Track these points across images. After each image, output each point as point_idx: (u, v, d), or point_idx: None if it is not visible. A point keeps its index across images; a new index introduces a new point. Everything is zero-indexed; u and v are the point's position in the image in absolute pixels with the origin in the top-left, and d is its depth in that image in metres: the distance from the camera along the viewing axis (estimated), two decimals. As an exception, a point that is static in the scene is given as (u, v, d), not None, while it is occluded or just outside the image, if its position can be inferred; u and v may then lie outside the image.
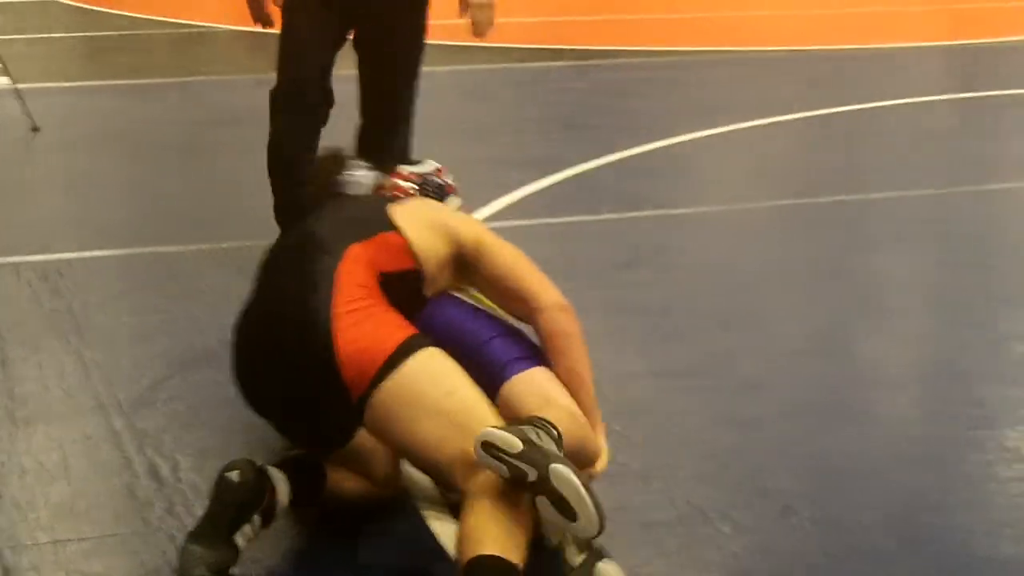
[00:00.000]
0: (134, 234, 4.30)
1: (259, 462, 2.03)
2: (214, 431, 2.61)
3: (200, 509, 2.08)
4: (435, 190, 2.56)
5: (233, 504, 1.95)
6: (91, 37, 8.35)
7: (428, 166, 2.64)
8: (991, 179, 5.19)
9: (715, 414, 2.78)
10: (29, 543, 2.17)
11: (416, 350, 2.01)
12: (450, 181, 2.61)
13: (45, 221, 4.51)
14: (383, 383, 1.98)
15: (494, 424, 1.90)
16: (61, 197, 4.99)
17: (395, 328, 2.05)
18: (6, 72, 6.07)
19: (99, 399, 2.79)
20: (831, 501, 2.36)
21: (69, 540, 2.16)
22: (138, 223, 4.50)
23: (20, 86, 5.87)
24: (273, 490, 2.01)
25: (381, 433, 2.04)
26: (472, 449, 1.81)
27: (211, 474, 2.06)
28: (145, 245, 4.13)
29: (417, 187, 2.54)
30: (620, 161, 5.34)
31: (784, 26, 9.79)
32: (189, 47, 8.31)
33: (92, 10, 8.93)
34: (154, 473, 2.41)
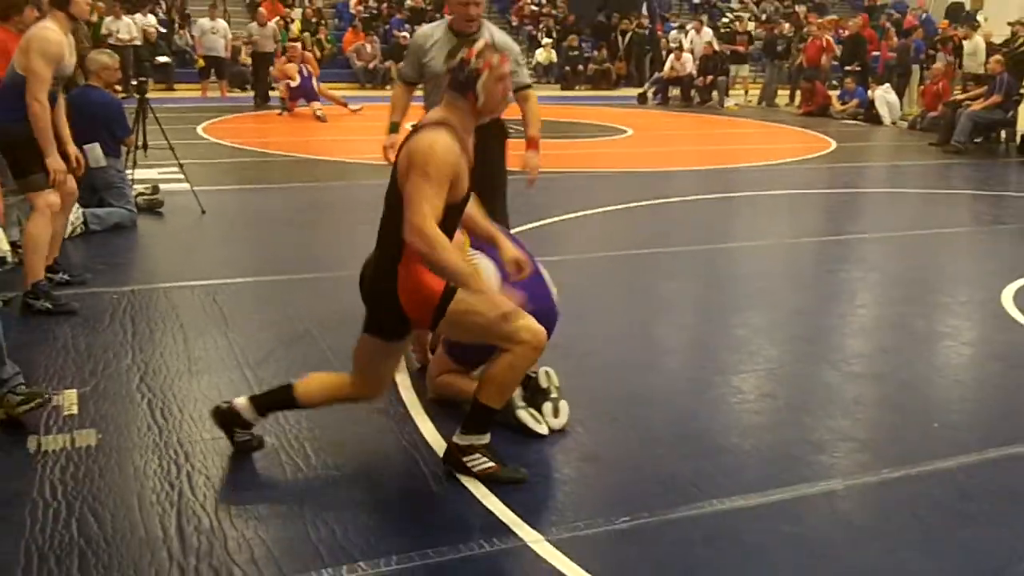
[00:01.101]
0: (260, 268, 6.50)
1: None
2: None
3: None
4: None
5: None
6: (233, 161, 11.36)
7: None
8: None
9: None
10: (197, 440, 3.91)
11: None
12: None
13: (208, 261, 6.78)
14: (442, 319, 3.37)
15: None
16: (217, 248, 7.31)
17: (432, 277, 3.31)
18: (187, 179, 8.74)
19: (237, 360, 4.78)
20: (639, 415, 4.28)
21: (219, 438, 4.19)
22: (263, 263, 6.73)
23: (195, 188, 8.50)
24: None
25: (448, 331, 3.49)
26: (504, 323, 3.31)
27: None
28: (266, 275, 6.31)
29: None
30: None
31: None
32: (288, 166, 11.23)
33: (233, 146, 12.10)
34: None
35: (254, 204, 8.96)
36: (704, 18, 22.87)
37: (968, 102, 14.04)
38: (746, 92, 20.88)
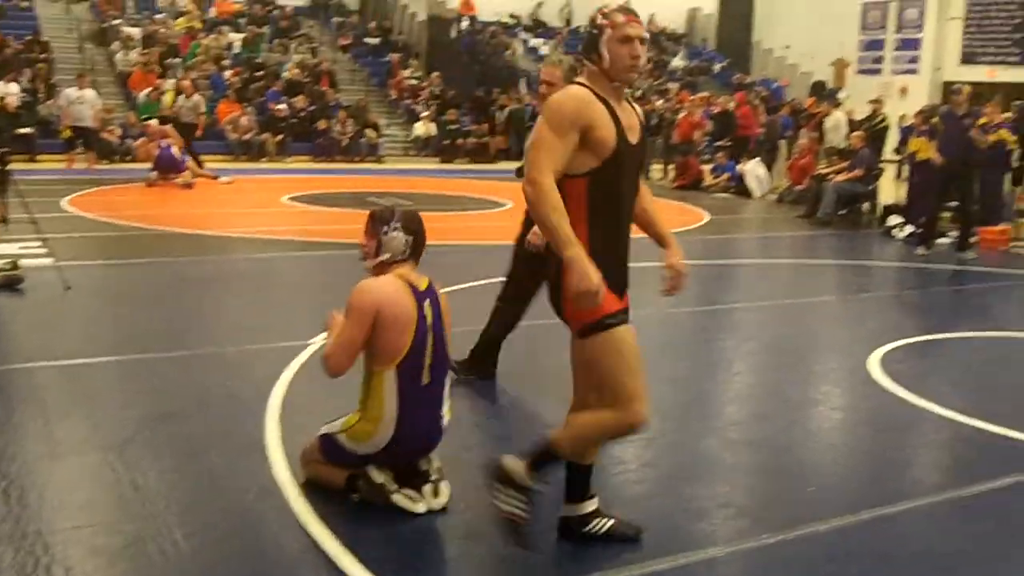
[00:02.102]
0: (125, 346, 6.23)
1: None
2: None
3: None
4: None
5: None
6: (100, 235, 11.03)
7: None
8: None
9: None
10: (58, 530, 3.92)
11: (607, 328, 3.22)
12: None
13: (71, 339, 6.47)
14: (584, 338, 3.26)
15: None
16: (81, 326, 6.99)
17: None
18: (50, 254, 8.46)
19: (102, 443, 4.54)
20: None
21: (81, 527, 3.97)
22: (128, 340, 6.45)
23: (58, 263, 8.15)
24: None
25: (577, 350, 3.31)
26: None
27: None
28: (131, 353, 6.05)
29: None
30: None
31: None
32: (156, 240, 10.94)
33: (100, 220, 11.75)
34: (137, 481, 4.25)
35: (120, 279, 8.67)
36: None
37: (832, 175, 14.66)
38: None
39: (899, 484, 4.46)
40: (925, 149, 12.20)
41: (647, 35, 3.36)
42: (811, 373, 6.38)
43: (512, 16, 29.46)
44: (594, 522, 3.64)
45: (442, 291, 4.08)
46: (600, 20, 3.30)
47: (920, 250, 11.44)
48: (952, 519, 4.13)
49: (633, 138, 3.38)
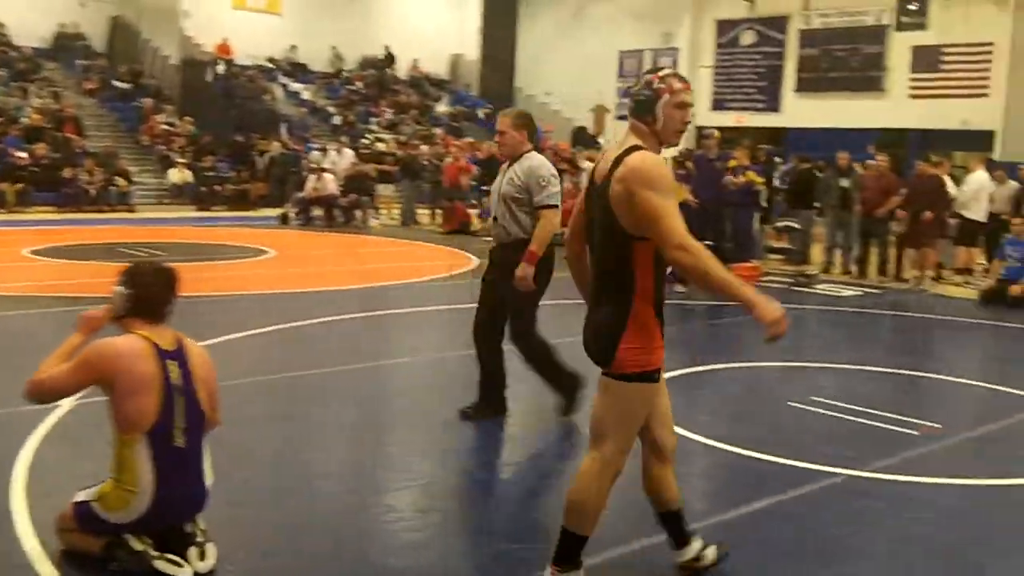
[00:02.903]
0: None
1: None
2: None
3: None
4: None
5: None
6: None
7: None
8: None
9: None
10: None
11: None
12: None
13: None
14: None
15: None
16: None
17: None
18: None
19: None
20: (297, 545, 4.03)
21: None
22: None
23: None
24: None
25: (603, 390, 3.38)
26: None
27: None
28: None
29: None
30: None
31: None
32: None
33: None
34: None
35: None
36: (345, 139, 23.31)
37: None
38: (389, 212, 21.37)
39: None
40: (678, 192, 12.87)
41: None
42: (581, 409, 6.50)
43: (270, 60, 28.98)
44: None
45: (198, 346, 3.87)
46: (657, 84, 3.37)
47: (678, 287, 11.98)
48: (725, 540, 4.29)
49: None
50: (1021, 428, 6.36)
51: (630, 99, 3.43)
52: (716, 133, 12.22)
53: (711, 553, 3.87)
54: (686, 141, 24.99)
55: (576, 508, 3.47)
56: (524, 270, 5.51)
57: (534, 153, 5.71)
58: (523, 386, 6.15)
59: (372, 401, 6.55)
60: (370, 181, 20.56)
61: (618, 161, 3.33)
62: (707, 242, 12.18)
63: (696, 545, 3.84)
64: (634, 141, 3.38)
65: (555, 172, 5.72)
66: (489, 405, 5.96)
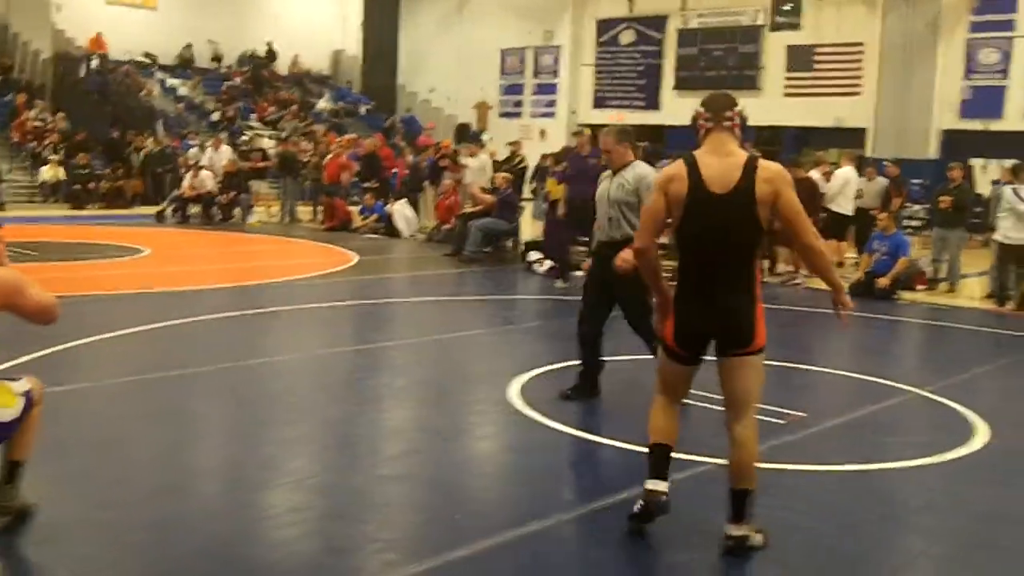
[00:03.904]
0: None
1: None
2: None
3: None
4: None
5: None
6: None
7: None
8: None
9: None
10: None
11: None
12: None
13: None
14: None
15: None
16: None
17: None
18: None
19: None
20: (171, 545, 3.97)
21: None
22: None
23: None
24: None
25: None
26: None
27: None
28: None
29: None
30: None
31: None
32: None
33: None
34: None
35: None
36: (223, 135, 22.85)
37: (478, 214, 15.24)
38: (268, 209, 21.05)
39: (544, 502, 4.66)
40: (556, 189, 12.97)
41: None
42: (459, 405, 6.55)
43: (147, 55, 28.20)
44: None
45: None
46: (744, 113, 4.07)
47: (559, 283, 12.14)
48: (596, 528, 4.40)
49: None
50: (885, 415, 6.64)
51: (741, 120, 4.04)
52: (586, 131, 12.34)
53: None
54: (569, 138, 25.40)
55: (751, 468, 4.07)
56: (628, 254, 5.74)
57: (639, 162, 6.40)
58: (401, 380, 6.15)
59: (250, 399, 6.46)
60: (249, 178, 20.22)
61: (749, 169, 3.91)
62: (584, 238, 12.43)
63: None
64: (740, 152, 4.00)
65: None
66: (587, 387, 6.55)
